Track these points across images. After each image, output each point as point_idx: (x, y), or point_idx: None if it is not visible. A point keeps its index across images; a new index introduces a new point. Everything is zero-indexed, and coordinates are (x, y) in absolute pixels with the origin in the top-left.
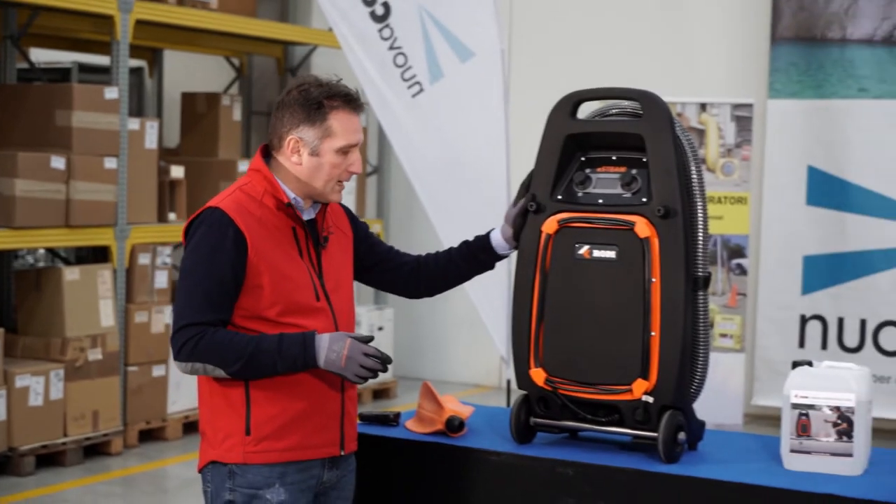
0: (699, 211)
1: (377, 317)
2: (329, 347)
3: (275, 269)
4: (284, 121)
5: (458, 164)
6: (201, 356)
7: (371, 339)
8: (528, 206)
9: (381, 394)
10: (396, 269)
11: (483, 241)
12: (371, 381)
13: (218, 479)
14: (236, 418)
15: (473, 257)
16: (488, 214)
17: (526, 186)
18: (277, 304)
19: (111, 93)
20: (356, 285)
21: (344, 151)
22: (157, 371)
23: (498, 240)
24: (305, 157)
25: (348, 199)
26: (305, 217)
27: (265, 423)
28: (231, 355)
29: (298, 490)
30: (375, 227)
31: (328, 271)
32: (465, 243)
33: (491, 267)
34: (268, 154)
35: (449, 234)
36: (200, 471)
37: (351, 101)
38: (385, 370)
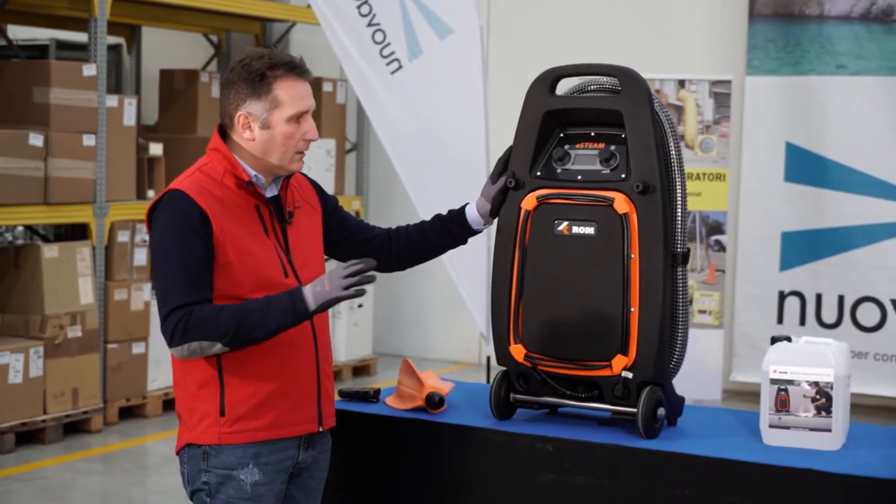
0: (678, 187)
1: None
2: (313, 288)
3: (240, 247)
4: (231, 98)
5: (437, 141)
6: (193, 334)
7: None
8: (508, 183)
9: (360, 370)
10: (367, 243)
11: (457, 216)
12: (351, 358)
13: (193, 460)
14: (210, 400)
15: (447, 231)
16: (467, 191)
17: (504, 162)
18: (246, 282)
19: (89, 70)
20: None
21: (295, 120)
22: (137, 348)
23: (473, 214)
24: (257, 132)
25: (327, 176)
26: (268, 194)
27: (239, 403)
28: (221, 325)
29: (274, 471)
30: (354, 204)
31: (295, 247)
32: (439, 217)
33: (464, 241)
34: (224, 133)
35: (428, 211)
36: (178, 453)
37: (294, 67)
38: (370, 272)
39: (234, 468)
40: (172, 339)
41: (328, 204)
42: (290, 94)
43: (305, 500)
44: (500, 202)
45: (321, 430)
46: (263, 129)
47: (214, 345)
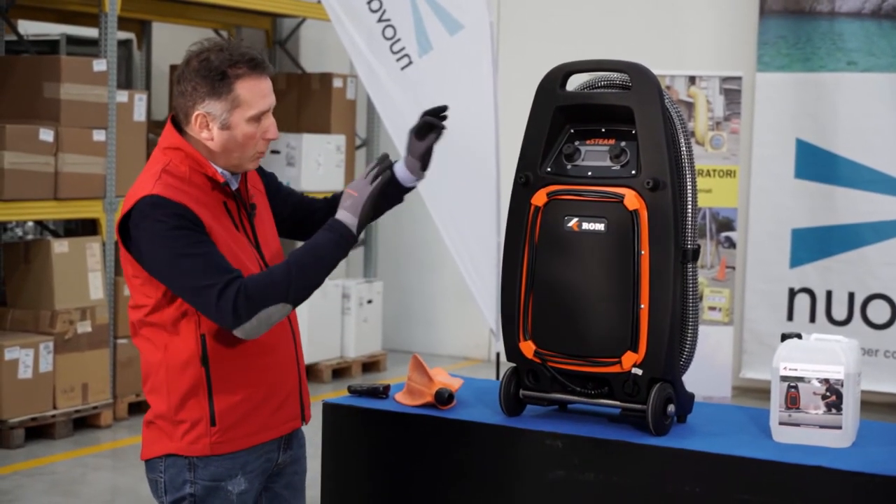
0: (688, 184)
1: (366, 290)
2: (342, 209)
3: (223, 244)
4: (187, 95)
5: (447, 137)
6: (260, 303)
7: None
8: (518, 179)
9: (370, 366)
10: (311, 217)
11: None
12: (360, 354)
13: (174, 470)
14: (199, 410)
15: (382, 194)
16: (478, 186)
17: (430, 118)
18: None
19: (99, 65)
20: (347, 257)
21: (256, 119)
22: None
23: (403, 173)
24: (216, 132)
25: (337, 172)
26: (232, 188)
27: (230, 411)
28: (279, 284)
29: (256, 476)
30: None
31: (263, 240)
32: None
33: (400, 200)
34: (178, 126)
35: (438, 207)
36: (149, 461)
37: (257, 65)
38: (386, 163)
39: (223, 479)
40: (237, 316)
41: (270, 183)
42: (253, 93)
43: (293, 498)
44: (427, 154)
45: (304, 423)
46: (223, 129)
47: (285, 306)
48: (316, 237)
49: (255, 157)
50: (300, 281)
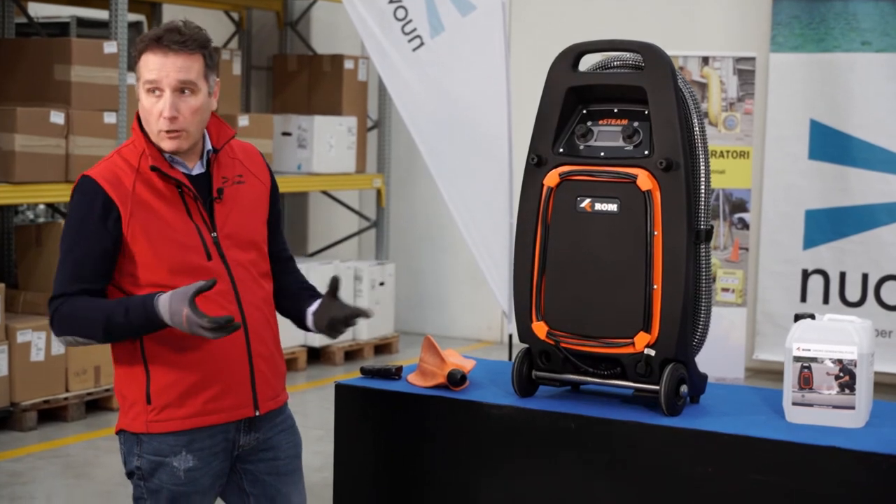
0: (701, 164)
1: (378, 272)
2: (171, 312)
3: (155, 234)
4: None
5: (460, 118)
6: (64, 328)
7: (209, 286)
8: (530, 159)
9: (382, 348)
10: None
11: (304, 310)
12: (373, 336)
13: (128, 443)
14: (137, 387)
15: (297, 316)
16: (489, 167)
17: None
18: (161, 268)
19: (110, 47)
20: (359, 239)
21: (151, 91)
22: None
23: (311, 320)
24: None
25: (349, 154)
26: (195, 171)
27: (164, 391)
28: (87, 325)
29: (210, 454)
30: (376, 182)
31: (224, 225)
32: (307, 294)
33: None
34: None
35: (450, 188)
36: (116, 433)
37: (159, 39)
38: (230, 324)
39: (167, 455)
40: (53, 325)
41: (274, 193)
42: (147, 66)
43: (282, 484)
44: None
45: (258, 413)
46: (139, 100)
47: (89, 341)
48: (136, 311)
49: (161, 135)
50: (111, 334)
